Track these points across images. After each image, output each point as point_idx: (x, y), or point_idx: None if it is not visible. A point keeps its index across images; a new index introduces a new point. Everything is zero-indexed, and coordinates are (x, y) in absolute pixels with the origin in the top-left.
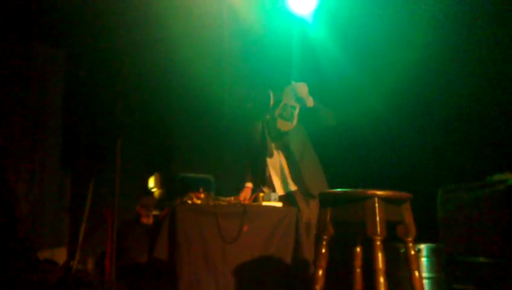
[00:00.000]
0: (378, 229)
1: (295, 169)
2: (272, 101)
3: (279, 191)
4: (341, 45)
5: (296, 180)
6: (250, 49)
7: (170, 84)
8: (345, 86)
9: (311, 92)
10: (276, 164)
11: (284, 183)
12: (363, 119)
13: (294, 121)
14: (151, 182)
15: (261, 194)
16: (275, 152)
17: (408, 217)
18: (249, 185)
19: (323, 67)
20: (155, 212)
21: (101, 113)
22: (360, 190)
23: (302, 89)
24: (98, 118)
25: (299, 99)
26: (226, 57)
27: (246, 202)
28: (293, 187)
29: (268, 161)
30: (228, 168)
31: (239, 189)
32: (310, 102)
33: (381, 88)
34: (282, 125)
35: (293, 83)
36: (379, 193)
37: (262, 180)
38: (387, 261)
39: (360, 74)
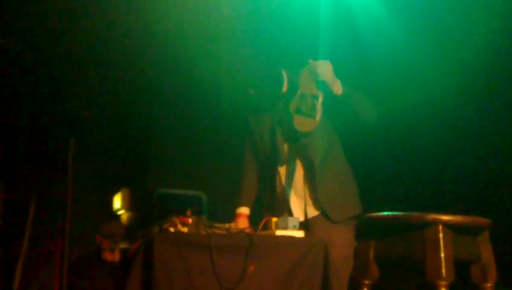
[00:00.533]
0: (444, 270)
1: (313, 182)
2: (285, 86)
3: (299, 214)
4: (389, 10)
5: (315, 198)
6: (257, 20)
7: (146, 67)
8: (394, 68)
9: (344, 77)
10: (291, 176)
11: (302, 203)
12: (419, 114)
13: (318, 116)
14: (118, 202)
15: (274, 220)
16: (288, 158)
17: (487, 253)
18: (244, 211)
19: (362, 42)
20: (123, 245)
21: (48, 103)
22: (416, 213)
23: (325, 69)
24: (44, 110)
25: (322, 85)
26: (225, 32)
27: (252, 230)
28: (313, 210)
29: (281, 171)
30: (227, 183)
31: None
32: (337, 87)
33: (448, 70)
34: (301, 124)
35: (311, 62)
36: (445, 218)
37: (272, 200)
38: None
39: (417, 50)
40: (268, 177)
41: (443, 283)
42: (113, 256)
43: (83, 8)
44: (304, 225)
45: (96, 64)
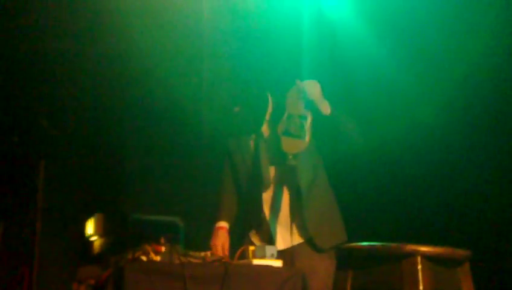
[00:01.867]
0: None
1: (299, 207)
2: (269, 108)
3: (280, 243)
4: (375, 30)
5: (301, 225)
6: (239, 39)
7: (121, 86)
8: (380, 92)
9: (327, 99)
10: (272, 201)
11: (286, 230)
12: (405, 140)
13: (307, 137)
14: (90, 227)
15: (251, 248)
16: (273, 183)
17: (467, 285)
18: (224, 225)
19: (347, 63)
20: None
21: (18, 122)
22: (395, 244)
23: (313, 88)
24: (10, 128)
25: (310, 105)
26: (205, 50)
27: (229, 259)
28: (297, 238)
29: (264, 196)
30: (203, 209)
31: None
32: (325, 107)
33: (436, 94)
34: (290, 146)
35: (298, 82)
36: (423, 249)
37: (255, 225)
38: None
39: (404, 73)
40: (251, 202)
41: None
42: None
43: (54, 26)
44: (286, 253)
45: (69, 83)
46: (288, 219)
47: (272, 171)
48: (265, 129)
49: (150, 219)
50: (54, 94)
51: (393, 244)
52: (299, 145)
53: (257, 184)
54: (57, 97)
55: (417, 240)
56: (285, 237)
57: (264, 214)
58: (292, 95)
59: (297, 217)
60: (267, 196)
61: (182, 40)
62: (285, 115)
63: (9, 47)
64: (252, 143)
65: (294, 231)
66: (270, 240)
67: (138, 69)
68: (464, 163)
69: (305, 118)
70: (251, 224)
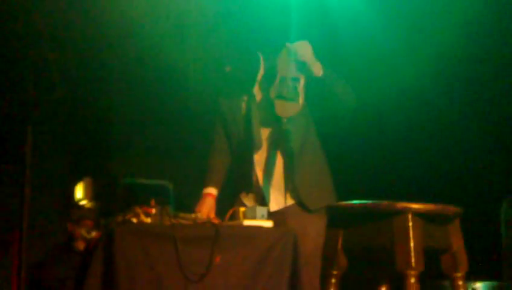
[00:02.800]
0: (413, 260)
1: (291, 170)
2: (261, 70)
3: (273, 204)
4: None
5: (293, 187)
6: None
7: (108, 50)
8: (368, 52)
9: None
10: (265, 163)
11: (279, 192)
12: (393, 101)
13: (301, 99)
14: (79, 192)
15: (242, 209)
16: (265, 144)
17: (457, 242)
18: (212, 191)
19: (336, 25)
20: (96, 234)
21: (4, 88)
22: (386, 202)
23: (304, 49)
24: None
25: (302, 67)
26: (193, 9)
27: (219, 220)
28: (288, 199)
29: (256, 158)
30: (193, 171)
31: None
32: (317, 68)
33: (423, 58)
34: (284, 109)
35: (288, 45)
36: (414, 206)
37: (246, 187)
38: None
39: (391, 37)
40: (242, 164)
41: (413, 272)
42: (86, 245)
43: None
44: (279, 215)
45: (56, 47)
46: (281, 181)
47: (264, 133)
48: (257, 91)
49: (139, 182)
50: (40, 58)
51: (384, 202)
52: (292, 108)
53: (249, 146)
54: (43, 61)
55: (407, 199)
56: (278, 198)
57: (257, 175)
58: (283, 58)
59: (289, 179)
60: (259, 158)
61: (169, 5)
62: (278, 78)
63: None
64: (243, 105)
65: (287, 192)
66: (262, 201)
67: (125, 31)
68: (452, 121)
69: (298, 80)
70: (242, 186)
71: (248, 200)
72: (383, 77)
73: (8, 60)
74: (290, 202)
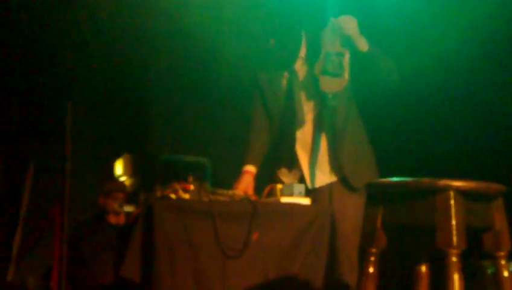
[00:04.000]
0: (455, 238)
1: (336, 147)
2: (303, 46)
3: (315, 181)
4: None
5: (337, 164)
6: None
7: (145, 27)
8: (403, 32)
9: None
10: (308, 140)
11: (322, 169)
12: (430, 78)
13: (346, 74)
14: (119, 168)
15: (279, 186)
16: (308, 121)
17: (500, 221)
18: (251, 169)
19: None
20: (128, 209)
21: (42, 62)
22: (427, 179)
23: (350, 24)
24: (38, 70)
25: (346, 41)
26: None
27: (257, 197)
28: (330, 177)
29: (298, 135)
30: (230, 148)
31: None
32: (363, 43)
33: (461, 31)
34: (329, 85)
35: (333, 19)
36: (457, 183)
37: (288, 164)
38: (468, 286)
39: (426, 12)
40: (283, 141)
41: (454, 251)
42: (117, 219)
43: None
44: (322, 192)
45: (93, 26)
46: (324, 158)
47: (307, 110)
48: (298, 67)
49: (177, 159)
50: (80, 39)
51: (425, 179)
52: (338, 83)
53: (290, 122)
54: (84, 41)
55: (449, 176)
56: (320, 175)
57: (296, 152)
58: (328, 33)
59: (334, 156)
60: (301, 136)
61: None
62: (322, 53)
63: None
64: (284, 81)
65: (330, 169)
66: (301, 178)
67: (162, 10)
68: (496, 95)
69: (343, 55)
70: (283, 163)
71: (286, 178)
72: (423, 49)
73: (51, 39)
74: (333, 178)
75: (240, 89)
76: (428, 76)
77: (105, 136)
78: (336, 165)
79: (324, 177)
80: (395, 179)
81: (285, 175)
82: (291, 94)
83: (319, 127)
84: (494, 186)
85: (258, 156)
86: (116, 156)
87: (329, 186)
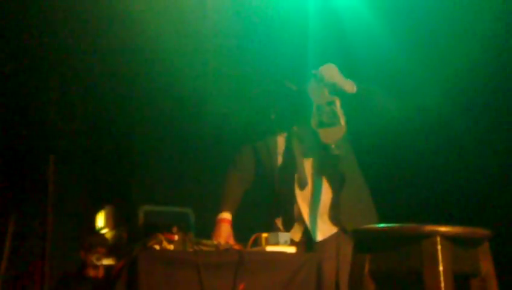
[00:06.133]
0: (442, 284)
1: (339, 197)
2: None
3: (319, 233)
4: (380, 16)
5: (336, 214)
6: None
7: (130, 78)
8: (385, 76)
9: None
10: (308, 194)
11: (324, 222)
12: (411, 123)
13: (342, 121)
14: (101, 220)
15: (264, 235)
16: (310, 177)
17: (487, 266)
18: (227, 216)
19: (353, 50)
20: (107, 262)
21: (26, 116)
22: (413, 225)
23: (331, 71)
24: (21, 123)
25: (333, 89)
26: (212, 44)
27: (241, 247)
28: (332, 227)
29: (299, 194)
30: (214, 198)
31: (236, 228)
32: (349, 86)
33: (441, 77)
34: (329, 136)
35: (314, 71)
36: (443, 229)
37: (288, 223)
38: None
39: (408, 57)
40: (282, 200)
41: None
42: (96, 272)
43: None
44: (323, 243)
45: (76, 76)
46: (326, 209)
47: (307, 166)
48: (296, 126)
49: (161, 209)
50: (61, 90)
51: (411, 225)
52: (337, 132)
53: (289, 181)
54: (65, 92)
55: (434, 221)
56: (324, 226)
57: (300, 208)
58: (313, 86)
59: (335, 205)
60: (303, 192)
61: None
62: (314, 107)
63: (16, 40)
64: (281, 139)
65: (332, 220)
66: (305, 231)
67: (148, 60)
68: (477, 141)
69: (333, 103)
70: (284, 218)
71: (292, 235)
72: (402, 97)
73: (31, 91)
74: (333, 230)
75: (224, 139)
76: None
77: (86, 188)
78: (337, 216)
79: (328, 228)
80: (381, 225)
81: (288, 228)
82: (291, 153)
83: (320, 179)
84: (480, 231)
85: (235, 203)
86: (98, 208)
87: (336, 237)
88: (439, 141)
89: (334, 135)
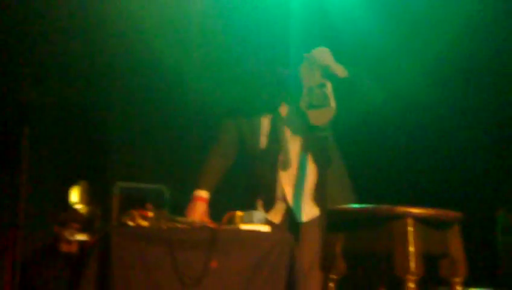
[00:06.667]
0: (412, 264)
1: (324, 181)
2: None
3: (303, 215)
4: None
5: (322, 196)
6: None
7: (109, 52)
8: (367, 57)
9: None
10: (292, 176)
11: (308, 204)
12: (395, 105)
13: (332, 103)
14: (74, 195)
15: (239, 214)
16: (295, 158)
17: (456, 247)
18: (203, 195)
19: (336, 34)
20: (80, 237)
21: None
22: (385, 206)
23: (324, 55)
24: None
25: (325, 72)
26: (194, 18)
27: (216, 225)
28: (316, 210)
29: (282, 174)
30: (190, 176)
31: (211, 205)
32: (341, 71)
33: (423, 63)
34: (318, 118)
35: (307, 54)
36: (414, 210)
37: (269, 204)
38: None
39: (390, 44)
40: (264, 181)
41: (412, 277)
42: (69, 247)
43: None
44: (307, 225)
45: (52, 47)
46: (311, 191)
47: (293, 147)
48: (282, 107)
49: (135, 186)
50: (37, 61)
51: (383, 206)
52: (326, 114)
53: (272, 164)
54: (41, 64)
55: (406, 203)
56: (308, 208)
57: (283, 190)
58: (305, 68)
59: (320, 187)
60: (288, 174)
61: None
62: (305, 88)
63: None
64: (266, 121)
65: (316, 202)
66: (288, 212)
67: (126, 36)
68: (451, 125)
69: (325, 85)
70: (265, 198)
71: (273, 215)
72: (383, 80)
73: (6, 62)
74: (317, 211)
75: (202, 116)
76: (390, 105)
77: (61, 163)
78: (323, 197)
79: (312, 209)
80: (354, 205)
81: (268, 209)
82: (275, 135)
83: (305, 160)
84: (451, 214)
85: (215, 180)
86: (72, 182)
87: (319, 219)
88: (417, 124)
89: (323, 117)
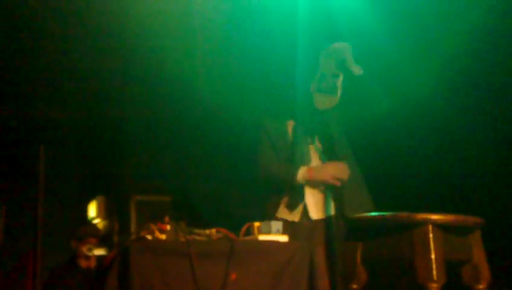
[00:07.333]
0: (435, 272)
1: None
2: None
3: (315, 214)
4: (370, 6)
5: (337, 197)
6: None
7: (123, 67)
8: (374, 61)
9: None
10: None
11: (322, 201)
12: (402, 114)
13: (338, 93)
14: (92, 210)
15: (256, 224)
16: (314, 159)
17: (478, 253)
18: (303, 169)
19: (343, 38)
20: (99, 252)
21: (16, 106)
22: (405, 213)
23: (344, 49)
24: (11, 113)
25: (341, 65)
26: (203, 26)
27: (234, 236)
28: (332, 209)
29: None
30: (207, 188)
31: (228, 216)
32: (357, 69)
33: (430, 68)
34: (322, 102)
35: (331, 46)
36: (434, 217)
37: (294, 203)
38: None
39: (398, 48)
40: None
41: (435, 285)
42: (88, 263)
43: (51, 7)
44: (319, 224)
45: (67, 67)
46: (323, 193)
47: (314, 152)
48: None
49: (152, 199)
50: (53, 79)
51: (403, 213)
52: (330, 101)
53: (298, 165)
54: (57, 81)
55: (426, 210)
56: (320, 207)
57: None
58: (324, 56)
59: (338, 192)
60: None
61: (179, 22)
62: (319, 73)
63: (7, 34)
64: (289, 128)
65: (330, 201)
66: (305, 214)
67: (135, 47)
68: (464, 132)
69: (338, 76)
70: (290, 205)
71: (287, 215)
72: (390, 86)
73: (22, 81)
74: (332, 212)
75: (216, 129)
76: (400, 110)
77: (78, 179)
78: (340, 200)
79: (326, 209)
80: (373, 213)
81: (285, 213)
82: (299, 139)
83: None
84: (472, 219)
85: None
86: (90, 197)
87: (334, 221)
88: (430, 132)
89: (327, 102)
